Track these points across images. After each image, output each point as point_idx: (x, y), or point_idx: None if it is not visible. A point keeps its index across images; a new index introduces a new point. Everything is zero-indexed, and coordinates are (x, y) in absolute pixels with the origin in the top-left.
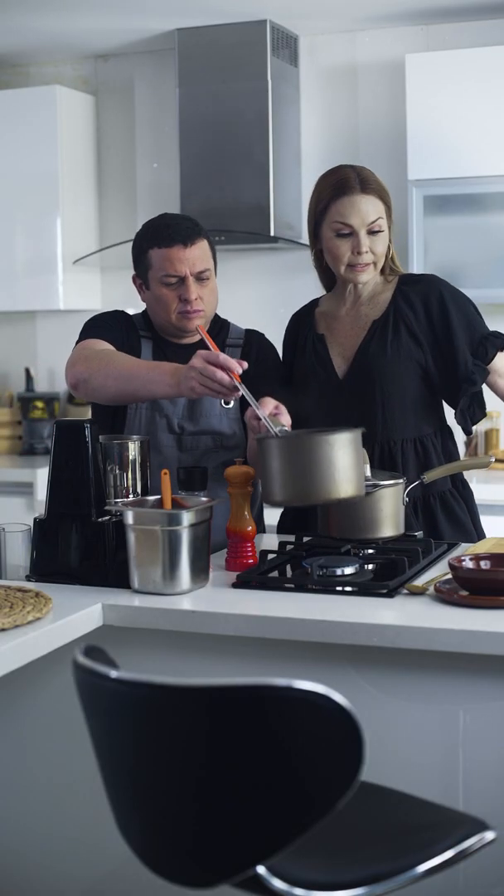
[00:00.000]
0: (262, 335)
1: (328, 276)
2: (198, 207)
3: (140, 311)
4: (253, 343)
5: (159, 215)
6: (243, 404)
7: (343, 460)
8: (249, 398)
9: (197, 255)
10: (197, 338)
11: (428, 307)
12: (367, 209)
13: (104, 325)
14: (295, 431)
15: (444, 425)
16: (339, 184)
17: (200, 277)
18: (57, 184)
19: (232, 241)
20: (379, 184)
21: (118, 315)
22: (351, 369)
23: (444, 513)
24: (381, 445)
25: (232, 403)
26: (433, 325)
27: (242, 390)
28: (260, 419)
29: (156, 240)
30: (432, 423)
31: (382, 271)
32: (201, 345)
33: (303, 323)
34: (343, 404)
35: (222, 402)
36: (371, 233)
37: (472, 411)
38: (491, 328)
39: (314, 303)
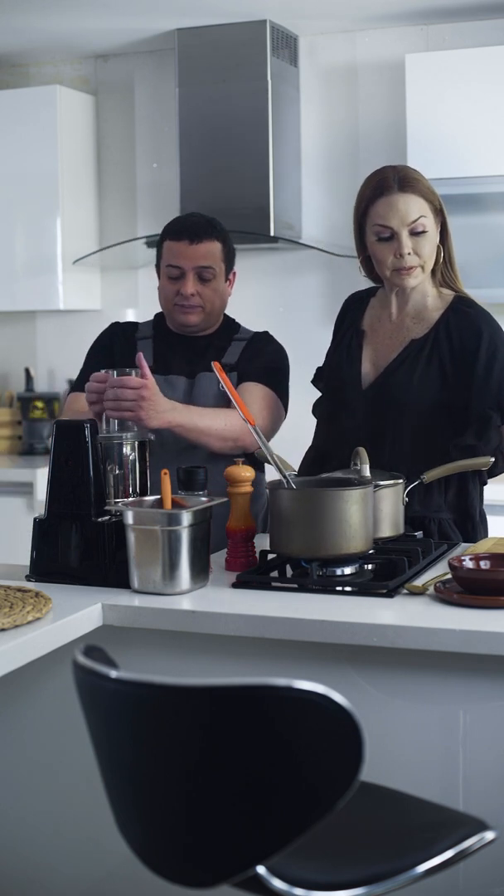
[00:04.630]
0: (267, 334)
1: (380, 283)
2: (198, 207)
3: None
4: (259, 341)
5: (188, 213)
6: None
7: (356, 516)
8: (260, 440)
9: (202, 252)
10: (209, 329)
11: (465, 345)
12: (406, 208)
13: (85, 370)
14: (306, 480)
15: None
16: (378, 185)
17: (203, 276)
18: (57, 184)
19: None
20: (422, 182)
21: (104, 339)
22: (374, 384)
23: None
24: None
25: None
26: (466, 364)
27: (255, 433)
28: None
29: (169, 232)
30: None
31: (434, 275)
32: (206, 339)
33: (353, 309)
34: (360, 415)
35: (220, 386)
36: (414, 233)
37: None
38: None
39: (375, 289)
